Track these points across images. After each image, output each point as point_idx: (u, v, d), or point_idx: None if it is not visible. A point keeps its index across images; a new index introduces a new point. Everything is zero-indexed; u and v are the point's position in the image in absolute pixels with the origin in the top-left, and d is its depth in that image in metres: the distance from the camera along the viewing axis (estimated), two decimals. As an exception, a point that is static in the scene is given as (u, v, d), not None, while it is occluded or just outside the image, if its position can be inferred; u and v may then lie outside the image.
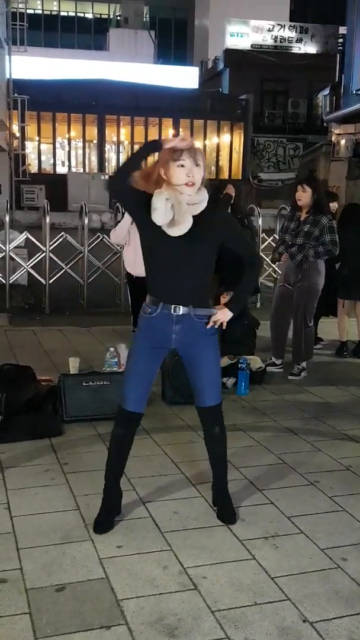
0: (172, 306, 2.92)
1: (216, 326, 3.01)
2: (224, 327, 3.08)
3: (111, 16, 38.59)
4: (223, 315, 3.02)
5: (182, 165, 2.77)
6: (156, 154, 2.84)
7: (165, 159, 2.79)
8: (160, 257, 2.91)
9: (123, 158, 28.19)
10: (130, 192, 2.86)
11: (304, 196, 5.42)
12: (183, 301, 2.93)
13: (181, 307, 2.92)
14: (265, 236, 9.74)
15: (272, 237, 10.06)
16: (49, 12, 39.39)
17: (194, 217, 2.84)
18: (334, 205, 6.68)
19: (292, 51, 30.86)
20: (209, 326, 2.98)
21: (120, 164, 3.05)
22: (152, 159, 2.91)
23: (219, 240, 2.97)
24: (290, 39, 30.97)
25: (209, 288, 3.11)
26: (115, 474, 3.14)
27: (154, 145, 2.82)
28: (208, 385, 3.07)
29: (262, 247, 9.63)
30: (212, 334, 3.05)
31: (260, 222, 9.55)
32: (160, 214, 2.75)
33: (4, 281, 8.44)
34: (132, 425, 3.07)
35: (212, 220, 2.89)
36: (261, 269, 3.18)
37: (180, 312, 2.92)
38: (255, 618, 2.45)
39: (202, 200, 2.86)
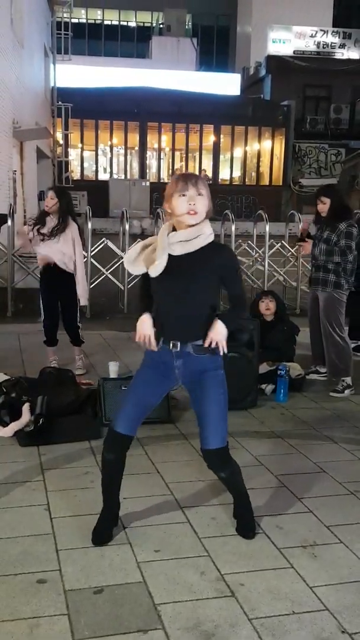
0: (171, 342, 2.85)
1: (213, 345, 2.81)
2: (223, 349, 2.84)
3: (154, 24, 38.94)
4: (216, 333, 2.80)
5: (184, 195, 2.75)
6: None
7: (170, 193, 2.79)
8: (160, 292, 2.89)
9: (164, 165, 28.39)
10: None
11: (324, 208, 5.40)
12: (181, 337, 2.85)
13: (179, 343, 2.84)
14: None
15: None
16: (92, 21, 39.97)
17: (192, 253, 2.79)
18: None
19: (335, 57, 30.63)
20: (205, 344, 2.81)
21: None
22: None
23: (218, 279, 2.87)
24: (333, 44, 30.75)
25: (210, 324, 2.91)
26: (110, 494, 3.04)
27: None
28: (208, 426, 2.88)
29: (302, 253, 9.56)
30: (216, 369, 2.90)
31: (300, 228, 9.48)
32: (129, 263, 2.92)
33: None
34: (122, 449, 2.94)
35: (214, 260, 2.82)
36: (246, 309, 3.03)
37: (179, 349, 2.84)
38: (293, 627, 2.43)
39: (200, 235, 2.79)
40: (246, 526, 3.09)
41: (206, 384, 2.88)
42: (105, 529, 3.03)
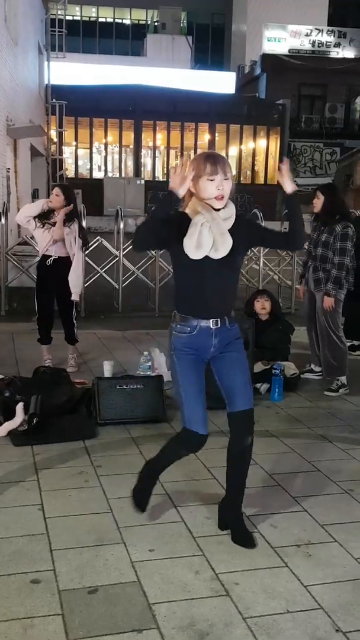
0: (211, 321, 2.91)
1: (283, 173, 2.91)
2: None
3: (149, 22, 38.87)
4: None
5: (212, 180, 2.77)
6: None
7: (197, 174, 2.77)
8: (197, 275, 2.87)
9: (158, 163, 28.34)
10: (156, 243, 3.04)
11: (317, 203, 5.40)
12: (220, 314, 2.92)
13: (219, 320, 2.92)
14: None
15: (306, 243, 9.99)
16: (87, 19, 39.87)
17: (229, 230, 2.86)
18: None
19: (330, 56, 30.70)
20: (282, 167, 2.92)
21: (140, 226, 2.85)
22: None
23: (250, 245, 3.05)
24: (328, 43, 30.82)
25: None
26: (155, 478, 3.18)
27: (171, 199, 2.74)
28: (241, 390, 2.98)
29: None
30: (239, 337, 3.05)
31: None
32: (191, 246, 2.78)
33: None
34: (200, 448, 3.03)
35: (241, 230, 2.89)
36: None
37: (219, 325, 2.92)
38: (287, 626, 2.43)
39: (232, 214, 2.88)
40: (246, 534, 3.03)
41: (234, 351, 3.00)
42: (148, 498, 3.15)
